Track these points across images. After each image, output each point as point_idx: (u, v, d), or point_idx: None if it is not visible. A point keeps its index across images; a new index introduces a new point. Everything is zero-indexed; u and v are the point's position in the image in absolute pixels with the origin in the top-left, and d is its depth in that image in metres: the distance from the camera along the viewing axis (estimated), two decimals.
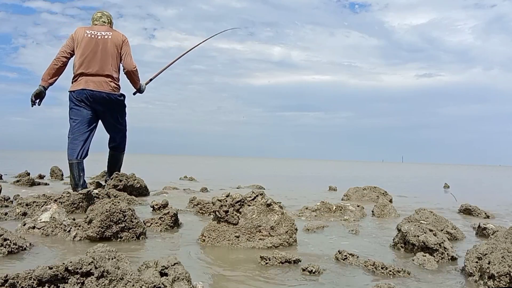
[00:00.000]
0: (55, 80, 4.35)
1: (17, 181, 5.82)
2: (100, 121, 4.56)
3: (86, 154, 4.41)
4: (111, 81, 4.33)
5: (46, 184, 5.96)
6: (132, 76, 4.52)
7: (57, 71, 4.32)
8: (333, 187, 7.23)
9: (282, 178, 11.25)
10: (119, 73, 4.46)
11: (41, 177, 7.17)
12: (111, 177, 4.81)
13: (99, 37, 4.29)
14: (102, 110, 4.39)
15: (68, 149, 4.33)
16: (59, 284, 1.37)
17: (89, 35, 4.30)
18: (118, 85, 4.45)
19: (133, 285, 1.41)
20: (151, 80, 5.11)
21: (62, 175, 7.72)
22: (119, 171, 4.86)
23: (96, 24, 4.47)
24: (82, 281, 1.38)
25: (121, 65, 4.49)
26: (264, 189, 6.23)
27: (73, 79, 4.36)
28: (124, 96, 4.57)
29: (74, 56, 4.36)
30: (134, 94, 4.85)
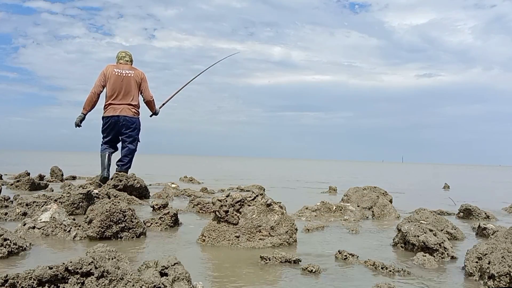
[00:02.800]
0: (92, 109, 5.63)
1: (17, 181, 5.82)
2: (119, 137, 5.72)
3: (115, 150, 5.70)
4: (132, 108, 5.54)
5: (46, 184, 5.96)
6: (150, 104, 5.84)
7: (94, 103, 5.59)
8: (333, 187, 7.23)
9: (282, 178, 11.25)
10: (138, 102, 5.66)
11: (41, 177, 7.16)
12: (111, 177, 4.86)
13: (124, 75, 5.51)
14: (124, 130, 5.54)
15: (101, 147, 5.61)
16: (59, 284, 1.37)
17: (116, 73, 5.49)
18: (138, 112, 5.67)
19: (133, 285, 1.41)
20: (163, 104, 6.33)
21: (62, 175, 7.71)
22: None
23: (121, 63, 5.66)
24: (82, 281, 1.38)
25: (141, 96, 5.75)
26: (264, 189, 6.23)
27: (104, 107, 5.57)
28: (140, 122, 5.69)
29: (105, 88, 5.56)
30: (150, 116, 6.03)
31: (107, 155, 5.52)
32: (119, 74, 5.45)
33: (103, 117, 5.57)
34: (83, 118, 5.59)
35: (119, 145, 5.72)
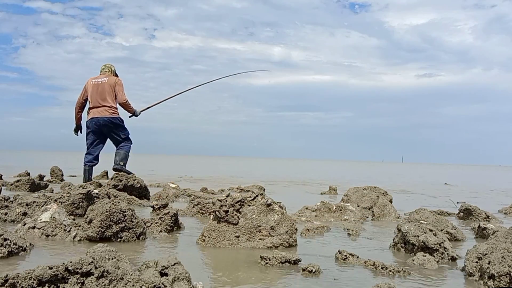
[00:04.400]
0: (81, 120, 6.41)
1: (17, 181, 5.82)
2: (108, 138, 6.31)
3: (97, 162, 6.26)
4: (109, 109, 6.11)
5: (46, 184, 5.96)
6: (124, 106, 6.31)
7: (79, 114, 6.39)
8: (333, 187, 7.23)
9: (282, 178, 11.25)
10: (115, 104, 6.21)
11: (41, 177, 7.16)
12: (111, 177, 4.87)
13: (99, 82, 6.19)
14: (106, 130, 6.14)
15: (84, 158, 6.19)
16: (59, 284, 1.37)
17: (93, 83, 6.20)
18: (116, 111, 6.20)
19: (133, 285, 1.41)
20: (148, 108, 6.81)
21: (62, 175, 7.71)
22: (124, 162, 6.21)
23: (101, 74, 6.36)
24: (82, 281, 1.38)
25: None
26: (264, 189, 6.23)
27: (87, 113, 6.25)
28: (121, 119, 6.26)
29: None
30: (130, 117, 6.47)
31: (87, 170, 6.16)
32: (96, 83, 6.20)
33: (86, 122, 6.25)
34: (77, 128, 6.49)
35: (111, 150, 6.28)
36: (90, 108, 6.15)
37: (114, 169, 5.95)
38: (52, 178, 7.40)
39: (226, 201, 2.56)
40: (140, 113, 6.57)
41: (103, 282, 1.39)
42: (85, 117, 6.41)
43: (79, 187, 4.80)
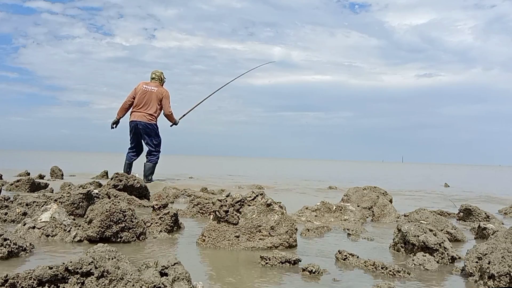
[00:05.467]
0: (124, 115, 7.07)
1: (17, 181, 5.81)
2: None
3: (137, 157, 7.11)
4: (148, 116, 6.87)
5: (46, 184, 5.96)
6: (168, 118, 7.16)
7: (125, 111, 7.03)
8: (333, 187, 7.23)
9: (282, 178, 11.24)
10: (157, 112, 6.96)
11: (41, 177, 7.16)
12: (111, 177, 4.88)
13: (149, 90, 6.92)
14: (142, 133, 6.92)
15: (127, 154, 7.05)
16: (59, 284, 1.37)
17: (144, 88, 6.93)
18: (153, 119, 6.93)
19: (133, 285, 1.41)
20: (184, 115, 7.57)
21: (62, 175, 7.70)
22: (151, 175, 7.01)
23: (152, 80, 7.10)
24: (82, 281, 1.38)
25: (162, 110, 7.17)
26: (264, 189, 6.22)
27: (130, 114, 6.99)
28: (157, 126, 6.99)
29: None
30: (171, 126, 7.27)
31: (127, 164, 6.97)
32: (146, 89, 6.90)
33: (129, 122, 6.95)
34: (116, 122, 7.07)
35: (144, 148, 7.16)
36: (133, 111, 6.87)
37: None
38: (52, 178, 7.40)
39: (226, 201, 2.56)
40: (178, 122, 7.35)
41: (103, 282, 1.39)
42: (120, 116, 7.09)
43: (79, 187, 4.81)
